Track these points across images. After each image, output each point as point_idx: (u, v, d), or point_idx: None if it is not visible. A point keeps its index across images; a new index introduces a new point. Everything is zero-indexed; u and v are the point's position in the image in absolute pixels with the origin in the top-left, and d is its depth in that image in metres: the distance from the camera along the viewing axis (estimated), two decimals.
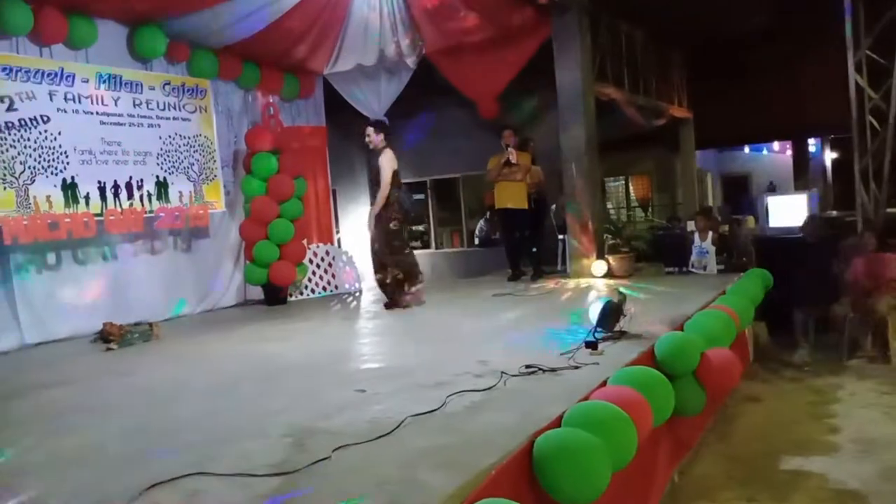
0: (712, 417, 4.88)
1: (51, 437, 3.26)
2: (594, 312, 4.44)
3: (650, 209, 13.26)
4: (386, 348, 5.12)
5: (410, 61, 8.94)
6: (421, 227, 12.60)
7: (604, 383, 3.32)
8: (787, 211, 7.95)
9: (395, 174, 6.48)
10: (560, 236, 8.95)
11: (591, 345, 4.07)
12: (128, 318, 6.35)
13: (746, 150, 16.83)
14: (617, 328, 4.39)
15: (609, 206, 13.03)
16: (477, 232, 12.02)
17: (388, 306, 6.71)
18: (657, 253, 8.64)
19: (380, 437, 2.76)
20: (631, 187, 13.63)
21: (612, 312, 4.38)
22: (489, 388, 3.38)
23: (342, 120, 9.99)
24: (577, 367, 3.68)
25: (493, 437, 2.67)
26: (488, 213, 11.52)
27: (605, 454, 2.53)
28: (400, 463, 2.49)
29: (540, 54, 8.23)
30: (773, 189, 14.46)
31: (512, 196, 8.07)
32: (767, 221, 8.40)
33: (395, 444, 2.70)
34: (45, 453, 3.00)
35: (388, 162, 6.43)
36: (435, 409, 3.08)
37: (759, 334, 6.94)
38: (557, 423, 2.79)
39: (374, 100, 9.47)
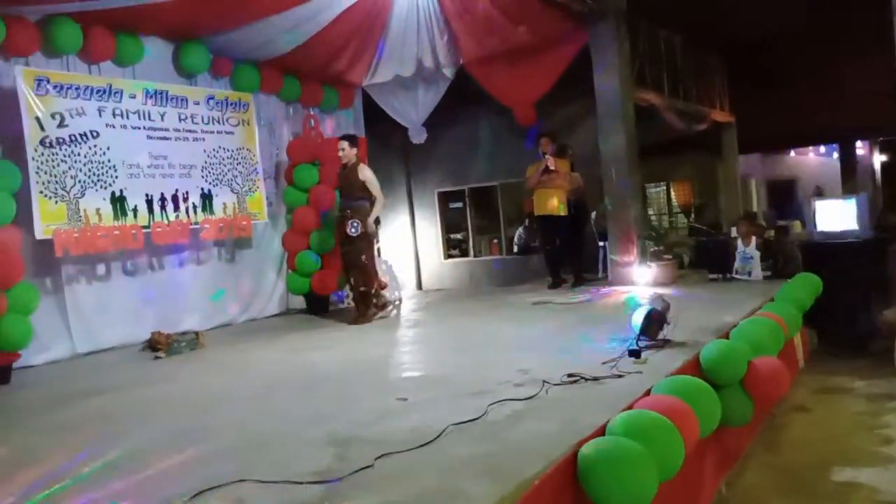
0: (760, 428, 4.76)
1: (99, 444, 3.34)
2: (637, 320, 4.38)
3: (692, 215, 13.06)
4: (426, 356, 5.13)
5: (448, 71, 8.98)
6: (459, 236, 12.61)
7: (647, 393, 3.27)
8: (836, 215, 7.73)
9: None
10: (601, 243, 8.86)
11: (635, 353, 4.02)
12: (175, 327, 6.50)
13: (792, 153, 16.47)
14: (660, 336, 4.33)
15: (650, 212, 12.85)
16: (516, 240, 11.95)
17: (361, 319, 6.79)
18: (700, 259, 8.49)
19: (421, 445, 2.77)
20: (672, 193, 13.43)
21: (655, 320, 4.32)
22: (531, 397, 3.36)
23: (381, 131, 10.08)
24: (620, 376, 3.63)
25: (535, 446, 2.65)
26: (527, 221, 11.46)
27: (652, 464, 2.49)
28: (442, 472, 2.49)
29: (578, 60, 8.20)
30: (820, 193, 14.11)
31: (551, 203, 8.03)
32: (815, 226, 8.18)
33: (437, 453, 2.70)
34: (92, 460, 3.06)
35: (372, 175, 6.77)
36: (476, 418, 3.07)
37: (809, 342, 6.76)
38: (601, 431, 2.75)
39: (411, 110, 9.53)
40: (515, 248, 11.89)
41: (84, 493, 2.66)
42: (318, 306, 8.05)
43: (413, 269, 12.52)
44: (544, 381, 3.57)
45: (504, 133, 10.57)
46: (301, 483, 2.48)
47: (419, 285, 12.49)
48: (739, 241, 7.66)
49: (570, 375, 3.65)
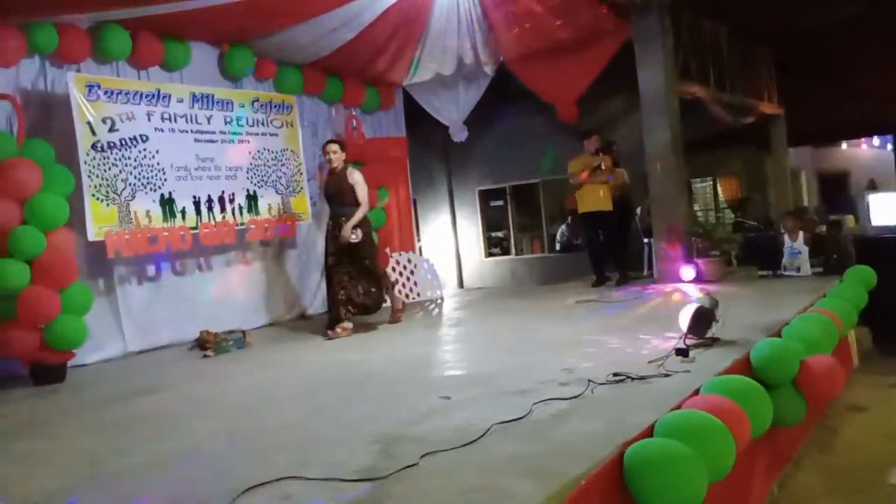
0: (813, 428, 4.64)
1: (147, 441, 3.42)
2: (684, 318, 4.30)
3: (739, 210, 12.78)
4: (469, 355, 5.13)
5: (488, 68, 8.95)
6: (500, 234, 12.58)
7: (696, 392, 3.21)
8: (891, 209, 7.47)
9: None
10: (646, 240, 8.74)
11: (682, 352, 3.94)
12: (222, 326, 6.62)
13: (844, 146, 16.00)
14: (709, 334, 4.24)
15: (696, 207, 12.62)
16: (558, 237, 11.87)
17: (395, 319, 6.68)
18: (749, 256, 8.31)
19: (466, 444, 2.76)
20: (719, 188, 13.16)
21: (703, 318, 4.23)
22: (576, 397, 3.32)
23: (422, 130, 10.11)
24: (667, 376, 3.57)
25: (581, 446, 2.62)
26: (570, 218, 11.37)
27: (701, 465, 2.44)
28: (487, 471, 2.48)
29: (620, 54, 8.10)
30: (873, 186, 13.67)
31: (596, 199, 7.95)
32: (870, 221, 7.92)
33: (482, 452, 2.69)
34: (143, 457, 3.14)
35: (362, 180, 6.43)
36: (521, 417, 3.05)
37: (862, 339, 6.55)
38: (649, 432, 2.71)
39: (452, 108, 9.53)
40: (558, 246, 11.81)
41: (135, 488, 2.73)
42: None
43: (454, 268, 12.54)
44: (589, 381, 3.53)
45: (545, 130, 10.48)
46: (347, 480, 2.50)
47: (460, 284, 12.49)
48: (786, 237, 7.48)
49: (615, 374, 3.61)
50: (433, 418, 3.24)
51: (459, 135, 9.64)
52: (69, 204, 5.51)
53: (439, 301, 8.59)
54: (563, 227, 11.78)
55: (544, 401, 3.27)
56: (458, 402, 3.52)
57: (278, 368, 5.24)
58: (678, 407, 2.99)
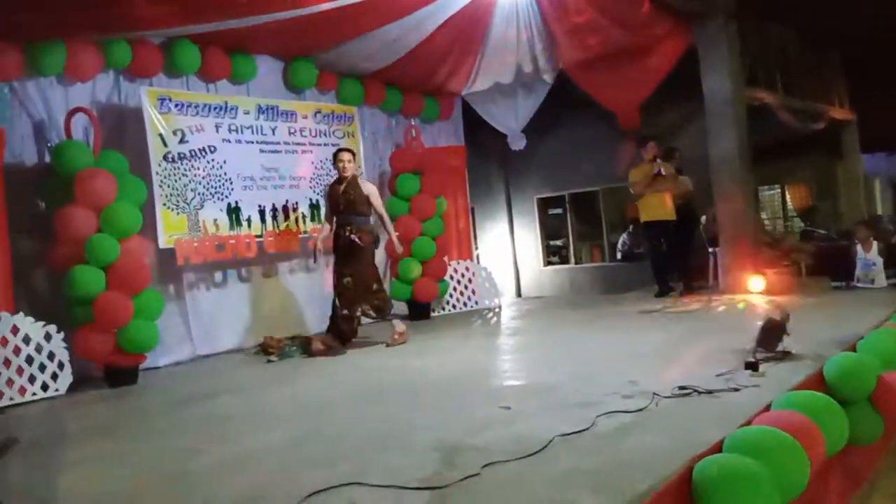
0: (890, 447, 4.42)
1: (215, 444, 3.50)
2: (753, 330, 4.17)
3: (808, 219, 12.36)
4: (528, 364, 5.09)
5: (547, 76, 8.90)
6: (559, 242, 12.47)
7: (768, 408, 3.10)
8: None
9: None
10: (710, 249, 8.52)
11: (752, 366, 3.82)
12: (286, 331, 6.74)
13: None
14: (779, 348, 4.10)
15: (764, 216, 12.25)
16: (619, 246, 11.69)
17: (326, 351, 6.12)
18: (821, 266, 8.01)
19: (528, 455, 2.74)
20: (788, 196, 12.75)
21: (773, 331, 4.10)
22: (640, 410, 3.26)
23: (479, 139, 10.12)
24: (736, 390, 3.46)
25: (646, 460, 2.57)
26: (631, 226, 11.19)
27: (774, 484, 2.36)
28: (550, 483, 2.46)
29: (684, 59, 7.94)
30: None
31: (658, 207, 7.80)
32: None
33: (544, 464, 2.66)
34: (209, 460, 3.21)
35: (376, 190, 6.39)
36: (584, 430, 3.01)
37: None
38: (718, 448, 2.64)
39: (511, 117, 9.50)
40: (619, 255, 11.63)
41: (201, 491, 2.79)
42: (419, 312, 8.15)
43: (512, 276, 12.49)
44: (654, 394, 3.45)
45: (605, 137, 10.36)
46: (409, 489, 2.51)
47: (518, 293, 12.43)
48: (860, 248, 7.20)
49: (681, 388, 3.52)
50: (494, 428, 3.22)
51: (518, 143, 9.60)
52: (142, 212, 5.71)
53: (497, 309, 8.56)
54: (625, 235, 11.60)
55: (608, 413, 3.22)
56: (519, 412, 3.49)
57: (339, 374, 5.31)
58: (748, 423, 2.90)
